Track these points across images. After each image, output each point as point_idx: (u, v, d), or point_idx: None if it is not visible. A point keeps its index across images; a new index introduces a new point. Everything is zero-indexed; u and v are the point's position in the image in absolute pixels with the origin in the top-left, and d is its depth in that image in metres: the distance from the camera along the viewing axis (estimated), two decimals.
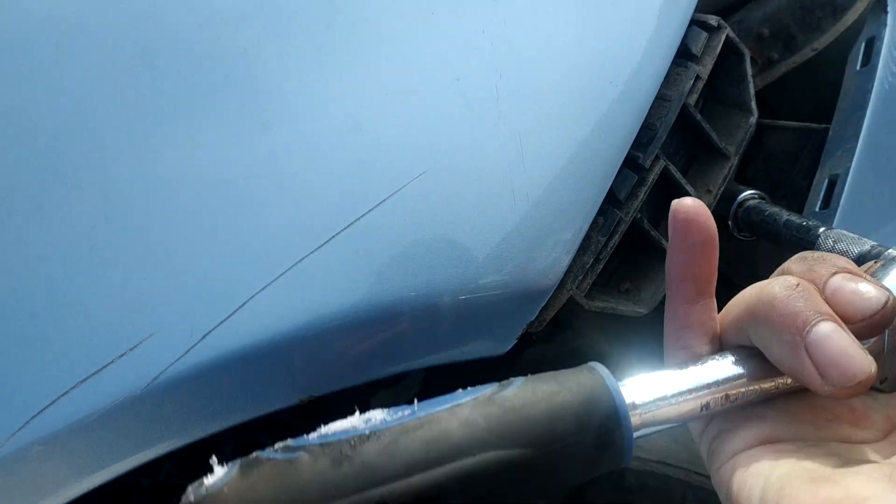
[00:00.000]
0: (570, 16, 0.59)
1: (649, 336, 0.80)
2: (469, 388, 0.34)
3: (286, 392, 0.56)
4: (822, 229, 0.56)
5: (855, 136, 0.64)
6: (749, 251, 0.74)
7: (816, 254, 0.37)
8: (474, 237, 0.54)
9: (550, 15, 0.59)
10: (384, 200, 0.54)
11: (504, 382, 0.33)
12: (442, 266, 0.54)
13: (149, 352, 0.52)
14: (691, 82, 0.60)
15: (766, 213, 0.62)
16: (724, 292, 0.92)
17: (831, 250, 0.55)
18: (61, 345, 0.52)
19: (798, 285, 0.34)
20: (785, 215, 0.60)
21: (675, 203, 0.38)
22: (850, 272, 0.35)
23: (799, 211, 0.65)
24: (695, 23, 0.62)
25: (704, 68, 0.61)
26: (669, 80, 0.60)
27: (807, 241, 0.57)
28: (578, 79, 0.57)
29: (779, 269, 0.38)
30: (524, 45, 0.58)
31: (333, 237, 0.53)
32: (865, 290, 0.34)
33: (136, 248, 0.54)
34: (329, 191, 0.54)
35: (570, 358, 0.69)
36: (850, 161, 0.63)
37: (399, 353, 0.55)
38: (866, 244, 0.53)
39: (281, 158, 0.55)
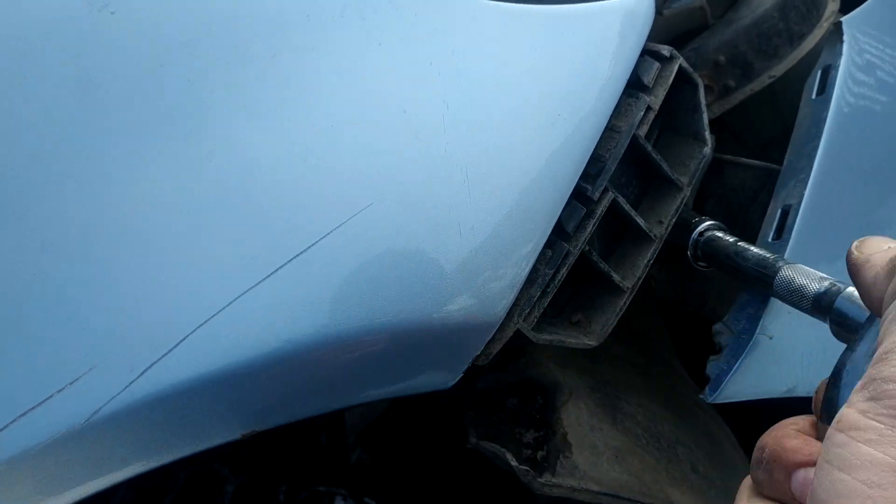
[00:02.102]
0: (520, 47, 0.59)
1: (605, 363, 0.80)
2: None
3: (229, 426, 0.55)
4: (781, 265, 0.56)
5: (808, 165, 0.64)
6: (700, 278, 0.74)
7: (768, 452, 0.41)
8: (420, 270, 0.54)
9: (499, 45, 0.59)
10: (330, 233, 0.54)
11: None
12: (386, 300, 0.53)
13: (88, 386, 0.52)
14: (642, 113, 0.60)
15: (726, 245, 0.62)
16: (671, 317, 0.92)
17: (789, 287, 0.54)
18: None
19: None
20: (745, 248, 0.60)
21: None
22: (803, 465, 0.40)
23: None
24: (647, 52, 0.62)
25: (656, 99, 0.61)
26: (620, 111, 0.60)
27: (766, 276, 0.56)
28: (526, 110, 0.57)
29: (752, 478, 0.43)
30: (471, 75, 0.58)
31: (277, 270, 0.53)
32: None
33: (75, 280, 0.53)
34: (274, 222, 0.54)
35: (522, 386, 0.69)
36: (804, 191, 0.63)
37: (341, 389, 0.55)
38: (824, 282, 0.52)
39: (226, 188, 0.55)
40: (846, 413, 0.35)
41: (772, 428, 0.45)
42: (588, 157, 0.58)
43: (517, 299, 0.56)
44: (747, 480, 0.44)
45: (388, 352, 0.54)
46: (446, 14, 0.59)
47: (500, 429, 0.67)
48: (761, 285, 0.56)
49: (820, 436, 0.43)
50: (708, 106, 0.74)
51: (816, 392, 0.45)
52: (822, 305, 0.50)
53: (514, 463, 0.60)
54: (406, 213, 0.54)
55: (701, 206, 0.76)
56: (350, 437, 1.07)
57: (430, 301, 0.53)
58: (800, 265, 0.55)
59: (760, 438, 0.44)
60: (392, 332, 0.53)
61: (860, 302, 0.48)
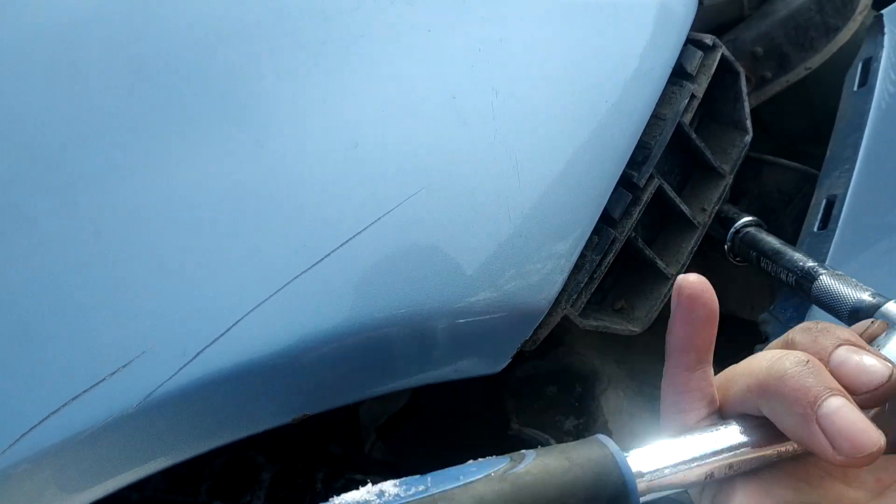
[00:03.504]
0: (566, 35, 0.59)
1: (642, 354, 0.80)
2: (480, 460, 0.34)
3: (279, 411, 0.55)
4: (821, 272, 0.55)
5: (853, 157, 0.64)
6: (723, 278, 0.74)
7: (820, 325, 0.39)
8: (469, 256, 0.54)
9: (546, 33, 0.59)
10: (379, 219, 0.54)
11: (515, 457, 0.34)
12: (436, 285, 0.54)
13: (141, 369, 0.52)
14: (686, 101, 0.60)
15: (766, 243, 0.62)
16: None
17: (827, 296, 0.54)
18: (53, 362, 0.52)
19: (808, 362, 0.36)
20: (785, 250, 0.60)
21: (680, 279, 0.40)
22: (854, 344, 0.37)
23: (798, 230, 0.65)
24: (690, 42, 0.63)
25: (700, 87, 0.61)
26: (665, 98, 0.60)
27: (805, 282, 0.56)
28: (573, 97, 0.57)
29: (783, 338, 0.40)
30: (520, 63, 0.58)
31: (327, 256, 0.53)
32: (869, 364, 0.36)
33: (129, 265, 0.53)
34: (324, 209, 0.54)
35: (561, 375, 0.69)
36: (849, 182, 0.63)
37: (392, 372, 0.55)
38: (864, 293, 0.52)
39: (275, 176, 0.55)
40: None
41: None
42: (634, 145, 0.58)
43: (565, 285, 0.56)
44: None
45: (439, 335, 0.54)
46: (495, 2, 0.60)
47: (541, 416, 0.67)
48: (799, 290, 0.56)
49: None
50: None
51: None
52: (859, 317, 0.50)
53: None
54: (456, 199, 0.54)
55: (735, 203, 0.76)
56: (370, 432, 1.07)
57: (480, 286, 0.54)
58: (840, 273, 0.55)
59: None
60: (442, 316, 0.53)
61: None
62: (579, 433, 0.66)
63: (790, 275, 0.58)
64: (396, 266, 0.53)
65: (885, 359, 0.37)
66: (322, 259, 0.52)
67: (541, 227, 0.55)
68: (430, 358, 0.55)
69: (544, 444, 0.61)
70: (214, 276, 0.53)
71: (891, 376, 0.36)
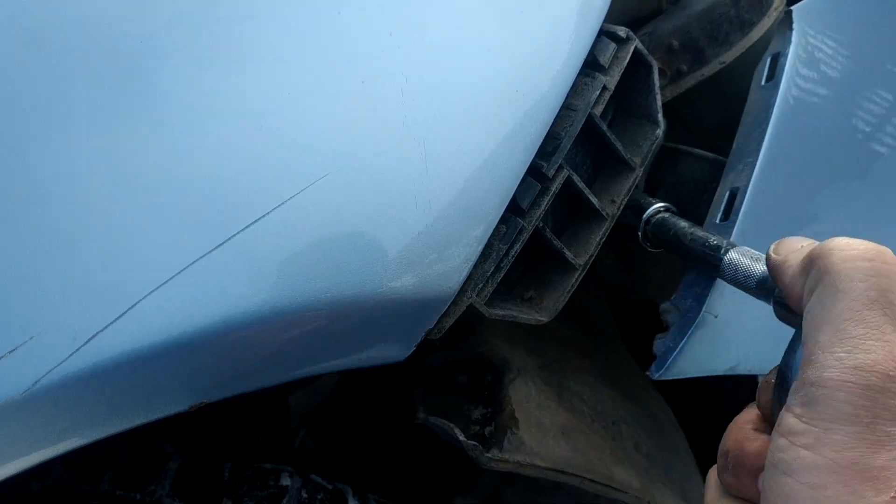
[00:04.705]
0: (479, 22, 0.59)
1: (554, 343, 0.80)
2: None
3: (177, 398, 0.54)
4: (728, 247, 0.57)
5: (756, 150, 0.65)
6: (643, 265, 0.75)
7: (732, 456, 0.43)
8: (375, 243, 0.53)
9: (459, 20, 0.58)
10: (284, 202, 0.53)
11: None
12: (340, 272, 0.53)
13: (28, 356, 0.50)
14: (597, 93, 0.60)
15: (676, 228, 0.63)
16: (618, 301, 0.93)
17: (735, 269, 0.55)
18: None
19: None
20: (693, 232, 0.61)
21: None
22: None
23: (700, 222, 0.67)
24: (604, 33, 0.63)
25: (612, 79, 0.62)
26: (576, 90, 0.61)
27: (714, 258, 0.57)
28: (485, 85, 0.57)
29: (719, 481, 0.45)
30: (431, 49, 0.57)
31: (229, 239, 0.52)
32: None
33: (17, 246, 0.51)
34: (227, 191, 0.53)
35: (471, 364, 0.69)
36: (751, 175, 0.64)
37: (295, 360, 0.54)
38: None
39: (178, 156, 0.53)
40: (785, 417, 0.37)
41: (729, 429, 0.46)
42: (544, 135, 0.58)
43: (471, 274, 0.56)
44: (713, 474, 0.45)
45: (341, 324, 0.53)
46: None
47: (449, 405, 0.67)
48: (709, 267, 0.58)
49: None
50: (661, 89, 0.75)
51: (760, 389, 0.46)
52: (766, 287, 0.52)
53: (461, 438, 0.60)
54: (362, 185, 0.54)
55: (652, 193, 0.77)
56: (294, 420, 1.06)
57: (384, 273, 0.53)
58: (746, 248, 0.56)
59: (721, 442, 0.45)
60: (346, 304, 0.53)
61: None
62: (486, 423, 0.66)
63: (699, 253, 0.59)
64: (301, 252, 0.52)
65: None
66: (223, 242, 0.51)
67: (447, 215, 0.55)
68: (333, 346, 0.55)
69: (449, 432, 0.61)
70: (109, 259, 0.51)
71: None
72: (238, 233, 0.51)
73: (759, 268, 0.53)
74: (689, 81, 0.75)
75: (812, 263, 0.40)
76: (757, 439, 0.43)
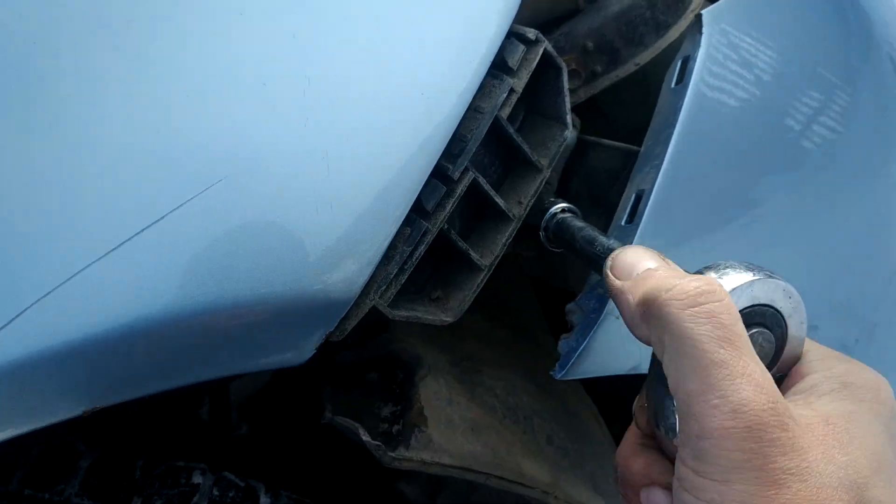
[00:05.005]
0: (384, 24, 0.58)
1: (471, 340, 0.81)
2: None
3: (70, 403, 0.54)
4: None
5: (663, 152, 0.66)
6: (561, 259, 0.76)
7: (620, 473, 0.46)
8: (273, 246, 0.53)
9: (364, 22, 0.58)
10: (180, 206, 0.52)
11: None
12: (238, 276, 0.53)
13: None
14: (505, 95, 0.61)
15: (574, 228, 0.64)
16: (539, 295, 0.93)
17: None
18: None
19: None
20: (584, 235, 0.62)
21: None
22: (643, 485, 0.44)
23: (607, 225, 0.68)
24: (513, 35, 0.63)
25: (520, 81, 0.62)
26: (484, 92, 0.61)
27: (601, 262, 0.59)
28: (389, 87, 0.57)
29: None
30: (334, 50, 0.57)
31: (123, 244, 0.51)
32: None
33: None
34: (122, 193, 0.52)
35: (383, 361, 0.70)
36: (657, 177, 0.65)
37: (189, 364, 0.54)
38: None
39: (69, 158, 0.52)
40: (683, 472, 0.38)
41: (623, 441, 0.48)
42: (450, 137, 0.58)
43: (373, 276, 0.56)
44: None
45: (237, 328, 0.53)
46: None
47: (359, 403, 0.67)
48: (598, 269, 0.59)
49: (658, 443, 0.46)
50: (575, 90, 0.76)
51: (636, 412, 0.47)
52: None
53: (364, 438, 0.61)
54: (261, 189, 0.53)
55: (566, 185, 0.78)
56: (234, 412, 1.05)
57: (282, 278, 0.53)
58: None
59: (615, 456, 0.48)
60: (242, 309, 0.53)
61: None
62: (395, 421, 0.66)
63: (592, 256, 0.60)
64: (195, 256, 0.52)
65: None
66: (115, 248, 0.50)
67: (348, 218, 0.55)
68: (228, 351, 0.55)
69: (353, 432, 0.62)
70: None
71: None
72: (132, 237, 0.50)
73: None
74: (604, 82, 0.76)
75: (650, 313, 0.41)
76: (640, 457, 0.45)
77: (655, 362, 0.45)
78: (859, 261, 0.91)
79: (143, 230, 0.51)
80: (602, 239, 0.60)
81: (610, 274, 0.46)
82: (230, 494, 0.70)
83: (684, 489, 0.37)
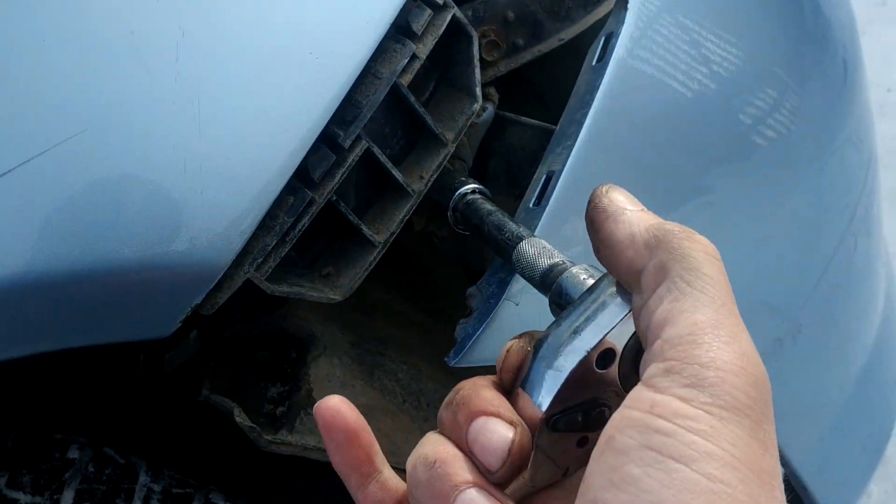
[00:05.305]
0: None
1: (379, 319, 0.78)
2: None
3: None
4: (524, 237, 0.55)
5: (576, 133, 0.63)
6: (478, 241, 0.72)
7: (461, 392, 0.42)
8: (135, 207, 0.49)
9: None
10: (31, 159, 0.48)
11: None
12: (94, 236, 0.49)
13: None
14: (406, 61, 0.57)
15: (481, 210, 0.60)
16: (467, 279, 0.90)
17: (522, 260, 0.53)
18: None
19: (434, 463, 0.39)
20: (492, 219, 0.58)
21: (317, 405, 0.44)
22: (486, 413, 0.40)
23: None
24: None
25: (424, 47, 0.58)
26: (384, 56, 0.57)
27: (509, 247, 0.56)
28: (273, 43, 0.53)
29: (438, 416, 0.43)
30: (216, 3, 0.53)
31: None
32: (491, 442, 0.39)
33: None
34: None
35: (275, 338, 0.66)
36: (567, 159, 0.62)
37: (33, 333, 0.50)
38: (555, 258, 0.52)
39: None
40: (662, 399, 0.33)
41: (474, 378, 0.44)
42: (340, 100, 0.54)
43: (248, 246, 0.53)
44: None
45: (93, 295, 0.49)
46: None
47: (244, 381, 0.63)
48: (505, 256, 0.56)
49: (514, 401, 0.43)
50: (495, 62, 0.72)
51: (504, 357, 0.44)
52: (546, 282, 0.50)
53: (239, 419, 0.57)
54: (124, 145, 0.49)
55: (485, 163, 0.75)
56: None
57: (142, 242, 0.49)
58: (541, 241, 0.54)
59: (460, 383, 0.44)
60: (97, 274, 0.49)
61: (581, 284, 0.47)
62: (281, 402, 0.63)
63: (497, 241, 0.57)
64: (49, 213, 0.48)
65: (511, 424, 0.39)
66: None
67: (219, 182, 0.51)
68: (84, 319, 0.50)
69: (230, 412, 0.58)
70: None
71: (510, 450, 0.38)
72: None
73: (544, 262, 0.51)
74: (527, 56, 0.72)
75: (661, 240, 0.38)
76: (493, 390, 0.43)
77: (603, 292, 0.43)
78: (792, 260, 0.89)
79: None
80: (511, 226, 0.57)
81: (603, 198, 0.43)
82: (106, 472, 0.66)
83: (663, 417, 0.33)
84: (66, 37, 0.50)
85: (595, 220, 0.42)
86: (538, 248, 0.53)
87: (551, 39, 0.72)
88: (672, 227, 0.39)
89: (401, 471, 0.67)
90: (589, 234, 0.43)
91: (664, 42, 0.70)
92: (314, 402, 0.63)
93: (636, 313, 0.39)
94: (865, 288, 1.03)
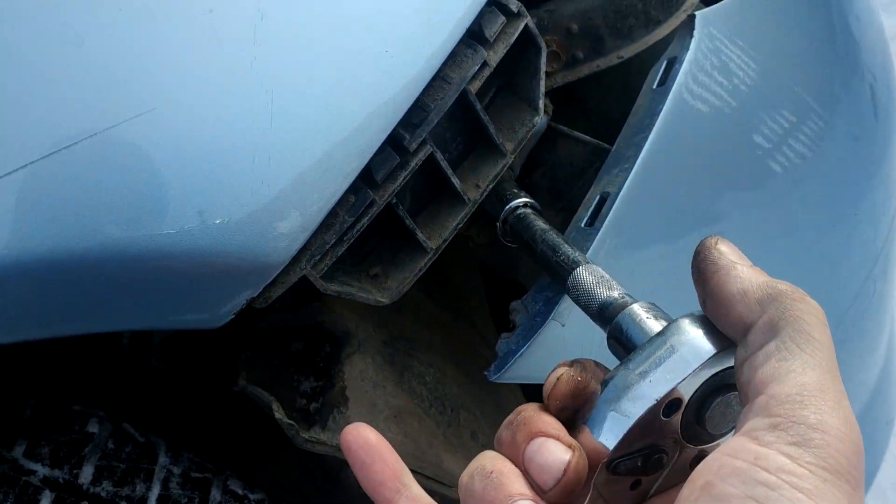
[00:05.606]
0: None
1: (409, 320, 0.77)
2: None
3: None
4: (580, 263, 0.54)
5: (635, 156, 0.62)
6: (515, 251, 0.72)
7: (521, 416, 0.42)
8: (198, 193, 0.48)
9: None
10: (95, 135, 0.47)
11: None
12: (150, 222, 0.47)
13: None
14: (477, 68, 0.56)
15: (534, 228, 0.60)
16: (490, 285, 0.90)
17: (579, 288, 0.53)
18: None
19: (491, 473, 0.40)
20: (546, 238, 0.58)
21: (344, 431, 0.46)
22: (545, 434, 0.40)
23: (564, 223, 0.64)
24: (494, 3, 0.58)
25: (495, 55, 0.57)
26: (454, 61, 0.56)
27: (563, 271, 0.55)
28: (350, 38, 0.52)
29: (497, 435, 0.43)
30: None
31: (17, 170, 0.45)
32: (547, 461, 0.39)
33: None
34: (27, 116, 0.46)
35: (311, 331, 0.65)
36: (624, 181, 0.61)
37: (90, 313, 0.49)
38: (614, 291, 0.51)
39: None
40: (766, 453, 0.34)
41: (534, 403, 0.45)
42: (411, 103, 0.54)
43: (308, 243, 0.52)
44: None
45: (147, 279, 0.48)
46: None
47: (278, 373, 0.63)
48: (557, 278, 0.55)
49: (574, 433, 0.42)
50: (553, 73, 0.71)
51: (554, 385, 0.44)
52: (605, 315, 0.49)
53: (278, 415, 0.56)
54: (194, 127, 0.48)
55: (529, 174, 0.74)
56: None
57: (204, 230, 0.48)
58: (598, 269, 0.54)
59: (521, 406, 0.45)
60: (154, 258, 0.48)
61: (643, 322, 0.47)
62: (315, 397, 0.62)
63: (550, 262, 0.56)
64: (106, 193, 0.47)
65: (569, 447, 0.39)
66: (11, 172, 0.45)
67: (287, 175, 0.50)
68: (136, 302, 0.49)
69: (268, 405, 0.57)
70: None
71: (566, 469, 0.39)
72: (29, 164, 0.44)
73: (603, 293, 0.51)
74: (584, 70, 0.71)
75: (775, 299, 0.39)
76: (555, 420, 0.43)
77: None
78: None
79: (46, 156, 0.45)
80: (566, 248, 0.56)
81: (714, 250, 0.42)
82: (126, 450, 0.65)
83: (768, 470, 0.34)
84: (143, 8, 0.48)
85: (705, 272, 0.42)
86: (597, 277, 0.52)
87: (611, 56, 0.71)
88: (785, 287, 0.39)
89: (422, 476, 0.67)
90: (695, 284, 0.43)
91: (723, 68, 0.70)
92: (348, 400, 0.62)
93: (738, 366, 0.39)
94: (876, 331, 1.04)
